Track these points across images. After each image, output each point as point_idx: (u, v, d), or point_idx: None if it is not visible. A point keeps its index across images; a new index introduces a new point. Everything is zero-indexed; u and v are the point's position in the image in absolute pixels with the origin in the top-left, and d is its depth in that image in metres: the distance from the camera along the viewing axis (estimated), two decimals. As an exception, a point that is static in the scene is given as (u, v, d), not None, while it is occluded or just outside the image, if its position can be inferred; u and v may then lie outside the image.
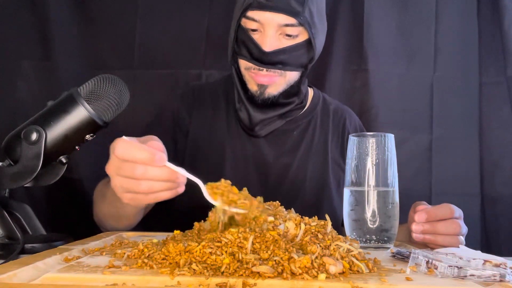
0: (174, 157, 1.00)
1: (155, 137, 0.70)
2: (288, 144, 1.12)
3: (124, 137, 0.66)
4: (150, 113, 1.24)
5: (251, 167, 1.10)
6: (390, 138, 0.79)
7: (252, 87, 1.03)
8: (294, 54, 0.99)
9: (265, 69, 0.98)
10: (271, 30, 0.96)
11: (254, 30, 0.98)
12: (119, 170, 0.66)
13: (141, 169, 0.64)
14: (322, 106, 1.19)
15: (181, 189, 0.69)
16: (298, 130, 1.13)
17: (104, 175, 1.05)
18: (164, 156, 0.66)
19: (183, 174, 0.67)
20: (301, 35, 0.99)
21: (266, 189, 1.08)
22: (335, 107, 1.21)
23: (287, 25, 0.96)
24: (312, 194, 1.10)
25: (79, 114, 0.77)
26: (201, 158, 1.10)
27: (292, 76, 1.03)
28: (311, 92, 1.21)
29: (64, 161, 0.81)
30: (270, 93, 1.02)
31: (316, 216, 0.66)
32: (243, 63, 1.02)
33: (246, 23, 0.98)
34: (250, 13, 0.96)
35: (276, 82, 1.01)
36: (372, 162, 0.77)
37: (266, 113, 1.06)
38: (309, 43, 1.00)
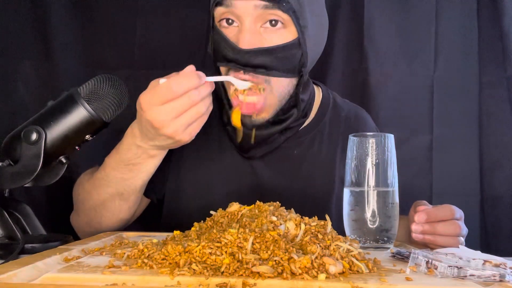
0: (162, 176, 0.98)
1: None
2: (288, 164, 0.98)
3: (160, 79, 0.73)
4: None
5: (244, 190, 0.96)
6: (390, 138, 0.79)
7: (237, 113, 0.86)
8: (280, 55, 0.82)
9: (242, 72, 0.82)
10: (248, 19, 0.80)
11: (229, 24, 0.83)
12: (176, 110, 0.71)
13: (196, 93, 0.70)
14: (332, 113, 1.03)
15: (203, 79, 0.72)
16: (300, 149, 0.98)
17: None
18: (201, 72, 0.72)
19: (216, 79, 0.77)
20: (290, 29, 0.83)
21: None
22: (347, 114, 1.04)
23: (266, 8, 0.79)
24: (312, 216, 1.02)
25: (79, 114, 0.77)
26: (188, 179, 0.99)
27: (282, 86, 0.86)
28: (319, 93, 1.05)
29: (64, 161, 0.81)
30: (264, 117, 0.88)
31: (316, 216, 0.66)
32: (223, 72, 0.88)
33: (219, 18, 0.84)
34: (222, 2, 0.81)
35: (265, 106, 0.85)
36: (372, 162, 0.77)
37: (261, 133, 0.90)
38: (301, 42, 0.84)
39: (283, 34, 0.83)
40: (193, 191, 1.00)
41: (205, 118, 0.75)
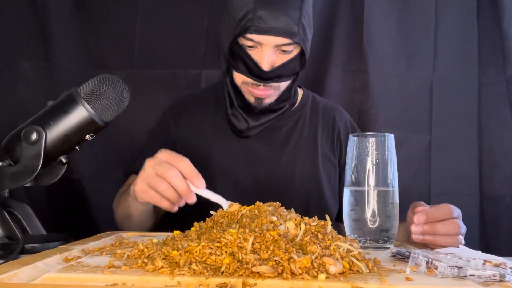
0: None
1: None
2: (277, 139, 1.15)
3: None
4: (150, 113, 1.25)
5: (240, 163, 1.12)
6: (390, 138, 0.79)
7: (250, 98, 1.07)
8: (289, 67, 1.03)
9: (262, 84, 1.02)
10: (269, 49, 0.99)
11: (250, 46, 1.01)
12: (159, 165, 0.77)
13: (174, 173, 0.75)
14: (312, 104, 1.22)
15: (175, 209, 0.79)
16: (287, 127, 1.17)
17: (103, 175, 1.06)
18: (204, 183, 0.77)
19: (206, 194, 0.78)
20: (295, 49, 1.03)
21: (257, 184, 1.10)
22: (324, 105, 1.23)
23: (283, 45, 1.00)
24: (303, 188, 1.12)
25: (79, 114, 0.77)
26: (194, 156, 1.13)
27: (286, 83, 1.07)
28: (300, 92, 1.23)
29: (64, 161, 0.81)
30: (267, 103, 1.08)
31: (316, 216, 0.66)
32: (240, 77, 1.04)
33: (243, 41, 1.01)
34: (248, 35, 0.99)
35: (272, 94, 1.07)
36: (372, 162, 0.77)
37: (260, 120, 1.11)
38: (302, 54, 1.05)
39: (291, 52, 1.03)
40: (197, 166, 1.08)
41: (152, 196, 0.78)
